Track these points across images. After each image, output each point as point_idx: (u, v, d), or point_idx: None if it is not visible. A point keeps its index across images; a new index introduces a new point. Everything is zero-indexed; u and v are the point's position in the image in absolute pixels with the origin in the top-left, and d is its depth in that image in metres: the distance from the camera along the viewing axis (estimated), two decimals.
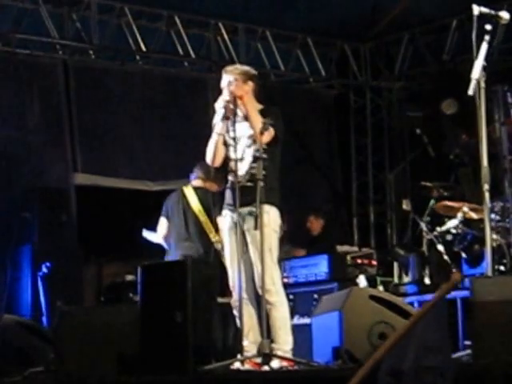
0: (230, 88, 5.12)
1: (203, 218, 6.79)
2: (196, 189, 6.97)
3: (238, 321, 5.12)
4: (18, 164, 8.32)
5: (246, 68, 5.36)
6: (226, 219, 5.21)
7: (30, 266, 7.58)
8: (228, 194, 5.23)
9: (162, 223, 6.98)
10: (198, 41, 9.18)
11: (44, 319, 7.26)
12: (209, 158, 5.24)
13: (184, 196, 6.94)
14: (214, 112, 9.45)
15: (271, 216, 5.13)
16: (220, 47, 9.30)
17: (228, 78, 5.22)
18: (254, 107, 5.15)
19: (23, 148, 8.38)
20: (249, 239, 5.10)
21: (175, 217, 6.93)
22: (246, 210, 5.06)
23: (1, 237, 7.92)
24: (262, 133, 5.00)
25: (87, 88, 8.82)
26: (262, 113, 5.17)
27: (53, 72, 8.63)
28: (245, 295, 5.10)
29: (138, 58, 9.07)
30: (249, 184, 5.06)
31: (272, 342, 5.01)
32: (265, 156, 5.00)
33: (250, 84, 5.24)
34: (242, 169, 5.13)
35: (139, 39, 8.82)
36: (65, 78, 8.67)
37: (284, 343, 5.11)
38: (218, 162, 5.23)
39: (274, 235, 5.16)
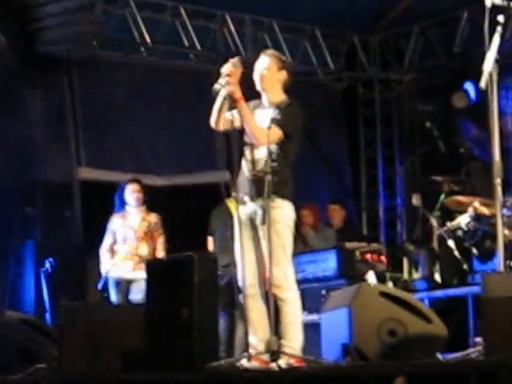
0: (231, 88, 5.00)
1: None
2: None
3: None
4: (21, 158, 8.26)
5: (286, 58, 5.36)
6: (238, 213, 5.09)
7: (33, 261, 7.54)
8: (241, 186, 5.12)
9: (209, 241, 7.37)
10: (204, 32, 9.10)
11: (47, 316, 7.22)
12: (212, 122, 5.15)
13: (227, 209, 6.95)
14: None
15: (284, 211, 5.05)
16: (226, 39, 9.22)
17: (265, 61, 5.17)
18: (249, 112, 5.05)
19: (26, 142, 8.31)
20: (261, 234, 5.01)
21: (217, 231, 7.21)
22: (258, 203, 4.97)
23: (3, 232, 7.88)
24: (269, 127, 4.96)
25: (91, 80, 8.74)
26: (282, 105, 5.11)
27: (56, 64, 8.54)
28: (255, 291, 5.03)
29: (142, 49, 8.98)
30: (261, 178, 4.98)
31: (281, 338, 4.94)
32: (274, 150, 4.97)
33: (284, 73, 5.18)
34: (260, 160, 5.05)
35: (144, 31, 8.73)
36: (68, 70, 8.59)
37: (293, 340, 5.03)
38: (222, 127, 5.13)
39: (288, 230, 5.07)
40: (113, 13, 8.67)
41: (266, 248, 4.98)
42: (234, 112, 5.11)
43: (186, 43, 9.02)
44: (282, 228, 5.01)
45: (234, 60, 5.04)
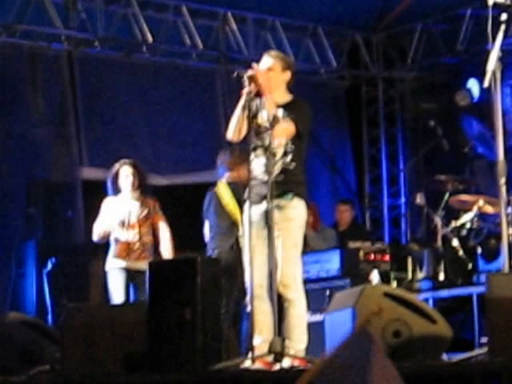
0: (258, 86, 4.96)
1: (236, 211, 6.65)
2: (228, 184, 6.85)
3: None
4: (23, 158, 8.22)
5: (289, 58, 5.37)
6: (248, 212, 5.05)
7: (35, 262, 7.48)
8: (254, 188, 5.07)
9: (206, 225, 7.05)
10: (206, 31, 9.06)
11: (49, 317, 7.16)
12: (230, 133, 5.10)
13: (216, 192, 6.86)
14: (222, 103, 9.38)
15: (299, 210, 5.06)
16: (228, 38, 9.17)
17: (269, 62, 5.15)
18: (273, 101, 5.01)
19: (27, 141, 8.27)
20: (275, 233, 4.95)
21: (209, 214, 6.96)
22: (273, 203, 4.90)
23: (5, 232, 7.83)
24: (272, 126, 4.92)
25: (92, 80, 8.69)
26: (289, 105, 5.10)
27: (57, 64, 8.51)
28: (263, 292, 4.99)
29: (144, 49, 8.92)
30: (278, 177, 4.98)
31: (285, 339, 4.91)
32: (291, 149, 4.99)
33: (288, 73, 5.18)
34: (274, 161, 5.01)
35: (146, 30, 8.68)
36: (70, 69, 8.55)
37: (298, 342, 5.01)
38: (239, 138, 5.08)
39: (300, 230, 5.07)
40: (115, 12, 8.62)
41: (278, 247, 4.97)
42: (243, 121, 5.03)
43: (188, 42, 8.97)
44: (295, 227, 5.02)
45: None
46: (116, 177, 6.85)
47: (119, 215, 6.74)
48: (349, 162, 10.27)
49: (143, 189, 6.88)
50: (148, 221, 6.79)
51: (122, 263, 6.71)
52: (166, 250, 6.83)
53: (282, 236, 4.97)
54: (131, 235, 6.71)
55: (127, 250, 6.69)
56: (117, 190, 6.85)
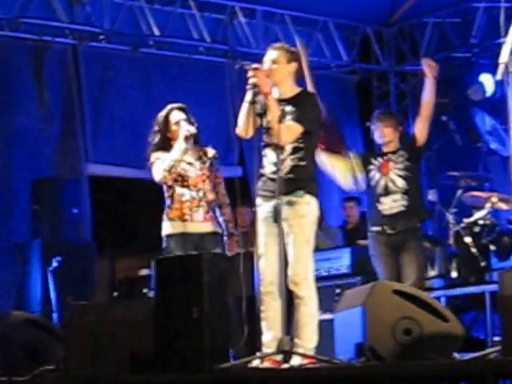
0: (259, 82, 4.89)
1: None
2: None
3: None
4: (27, 155, 8.18)
5: (293, 49, 5.26)
6: (260, 209, 5.05)
7: (40, 260, 7.44)
8: (262, 182, 5.06)
9: None
10: (214, 25, 9.03)
11: (54, 315, 7.14)
12: (239, 129, 5.03)
13: None
14: (230, 98, 9.32)
15: (311, 207, 5.03)
16: (236, 31, 9.11)
17: (273, 55, 5.10)
18: (274, 102, 4.94)
19: (32, 138, 8.23)
20: (286, 230, 4.95)
21: None
22: (284, 199, 4.89)
23: (9, 230, 7.81)
24: (280, 121, 4.86)
25: (98, 75, 8.65)
26: (296, 99, 5.05)
27: (62, 58, 8.47)
28: (274, 289, 4.94)
29: (151, 43, 8.87)
30: (289, 175, 4.96)
31: (295, 337, 4.89)
32: (301, 145, 4.97)
33: (294, 65, 5.13)
34: (284, 159, 4.99)
35: (152, 23, 8.64)
36: (75, 64, 8.51)
37: (308, 341, 4.97)
38: (250, 133, 4.99)
39: (312, 227, 5.04)
40: (121, 5, 8.55)
41: (289, 244, 4.95)
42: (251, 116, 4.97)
43: (196, 36, 8.95)
44: (307, 223, 4.99)
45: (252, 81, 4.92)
46: (166, 125, 5.76)
47: (176, 167, 5.62)
48: None
49: (198, 137, 5.75)
50: (212, 176, 5.74)
51: (185, 226, 5.65)
52: (225, 216, 5.77)
53: (293, 233, 4.96)
54: (193, 193, 5.66)
55: (190, 211, 5.63)
56: (166, 143, 5.73)
